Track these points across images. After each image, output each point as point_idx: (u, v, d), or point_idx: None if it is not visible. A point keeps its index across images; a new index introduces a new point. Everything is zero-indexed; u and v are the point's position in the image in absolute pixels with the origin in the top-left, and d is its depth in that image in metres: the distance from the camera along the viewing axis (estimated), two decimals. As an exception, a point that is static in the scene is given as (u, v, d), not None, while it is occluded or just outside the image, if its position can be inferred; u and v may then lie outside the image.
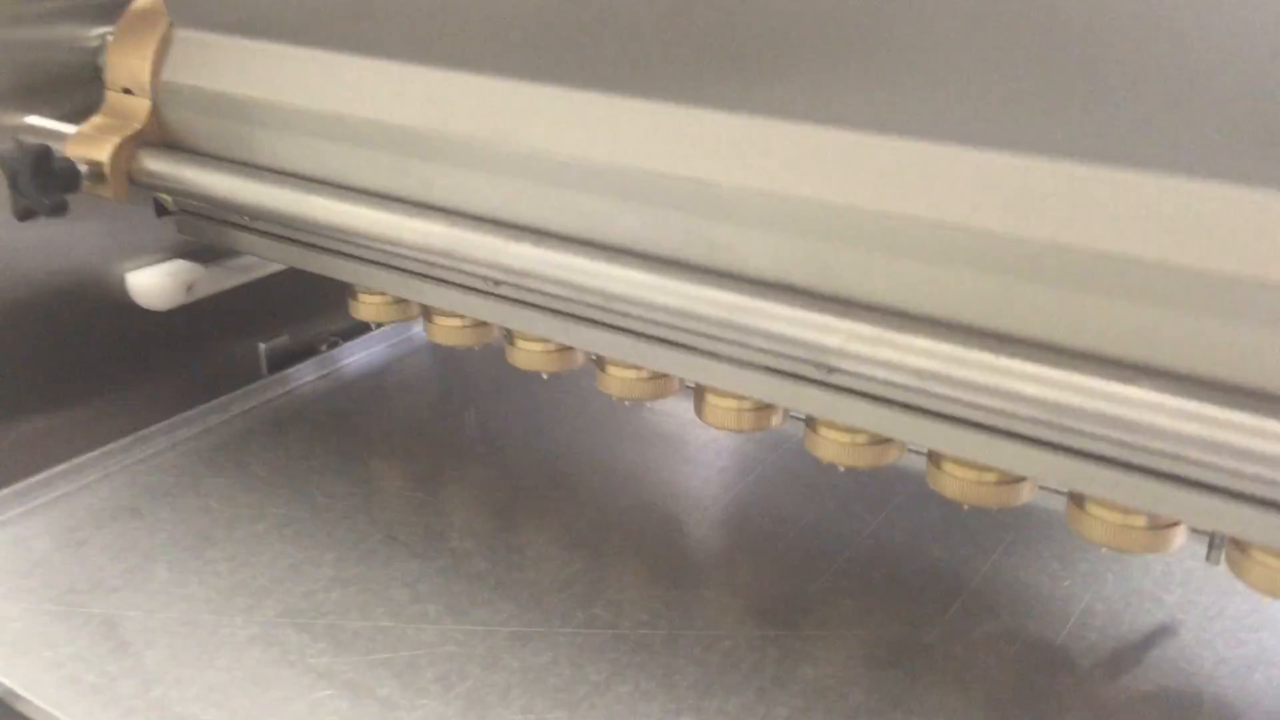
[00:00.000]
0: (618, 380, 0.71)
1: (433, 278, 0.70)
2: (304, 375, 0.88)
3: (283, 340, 0.88)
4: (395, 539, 0.69)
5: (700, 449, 0.81)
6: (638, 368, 0.70)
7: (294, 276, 0.87)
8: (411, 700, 0.57)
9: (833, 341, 0.53)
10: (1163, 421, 0.45)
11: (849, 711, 0.57)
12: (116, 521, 0.71)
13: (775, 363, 0.58)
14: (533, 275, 0.61)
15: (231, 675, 0.58)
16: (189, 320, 0.82)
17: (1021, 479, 0.61)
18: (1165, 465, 0.50)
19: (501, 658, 0.60)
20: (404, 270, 0.71)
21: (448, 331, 0.77)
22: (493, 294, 0.67)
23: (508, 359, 0.73)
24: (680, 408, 0.84)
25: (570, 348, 0.73)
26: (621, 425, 0.84)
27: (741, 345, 0.59)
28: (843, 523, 0.72)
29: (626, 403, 0.75)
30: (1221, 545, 0.61)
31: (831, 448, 0.65)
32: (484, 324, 0.77)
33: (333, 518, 0.71)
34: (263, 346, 0.87)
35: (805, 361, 0.55)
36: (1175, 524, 0.58)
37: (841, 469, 0.67)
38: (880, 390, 0.56)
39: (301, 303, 0.89)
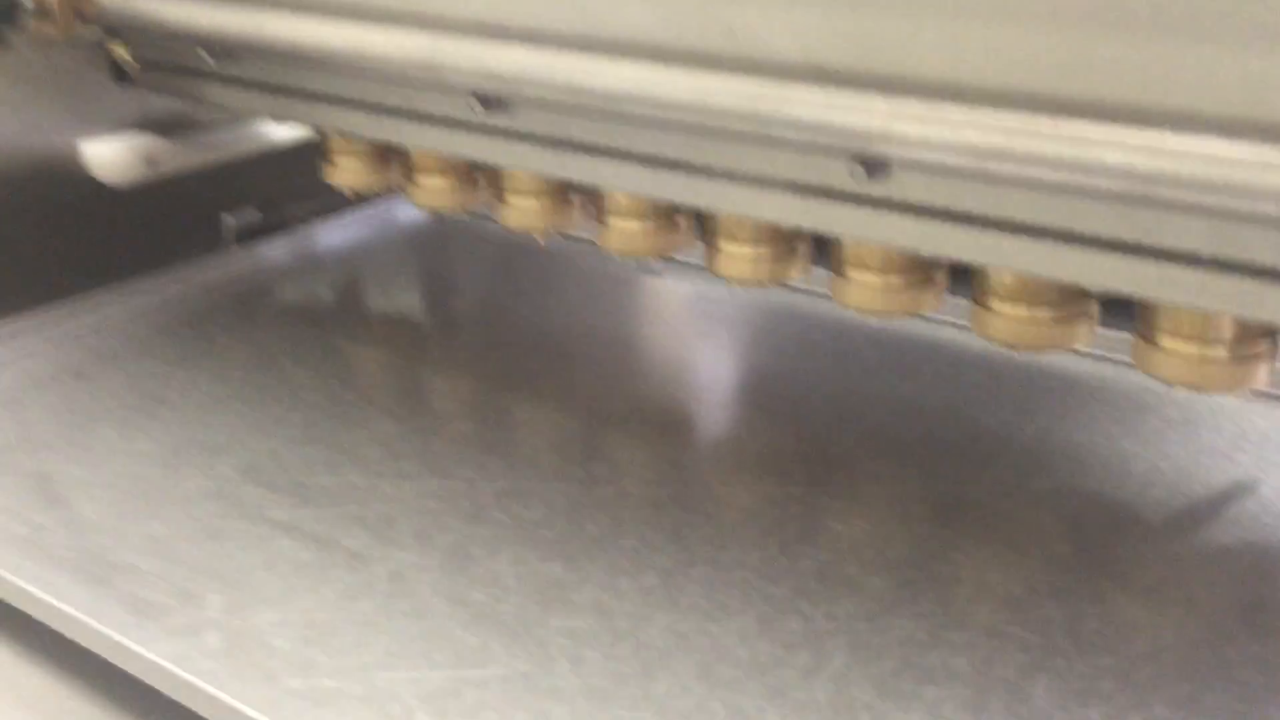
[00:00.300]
0: (620, 233, 0.63)
1: (414, 115, 0.63)
2: (274, 252, 0.81)
3: (251, 213, 0.80)
4: (371, 402, 0.62)
5: (710, 322, 0.74)
6: (641, 217, 0.63)
7: (268, 153, 0.81)
8: (385, 551, 0.50)
9: (875, 123, 0.45)
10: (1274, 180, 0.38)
11: (887, 564, 0.49)
12: (57, 383, 0.63)
13: (805, 173, 0.51)
14: (526, 82, 0.54)
15: (178, 528, 0.51)
16: (152, 187, 0.75)
17: (1078, 316, 0.54)
18: (1268, 252, 0.43)
19: (488, 512, 0.53)
20: (382, 109, 0.63)
21: (431, 193, 0.70)
22: (481, 128, 0.60)
23: (499, 220, 0.66)
24: (686, 285, 0.77)
25: (568, 202, 0.66)
26: (622, 301, 0.77)
27: (767, 148, 0.51)
28: (869, 389, 0.64)
29: (631, 263, 0.67)
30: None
31: (863, 293, 0.57)
32: (470, 183, 0.70)
33: (301, 382, 0.64)
34: (229, 218, 0.79)
35: (842, 156, 0.48)
36: (1259, 355, 0.51)
37: (874, 321, 0.60)
38: (929, 195, 0.49)
39: (275, 177, 0.82)
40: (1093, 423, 0.60)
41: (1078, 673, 0.43)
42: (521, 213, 0.66)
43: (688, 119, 0.50)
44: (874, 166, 0.48)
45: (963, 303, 0.69)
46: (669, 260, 0.68)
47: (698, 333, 0.73)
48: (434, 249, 0.86)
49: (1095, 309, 0.55)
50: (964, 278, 0.58)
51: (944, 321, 0.70)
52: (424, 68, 0.57)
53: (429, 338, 0.72)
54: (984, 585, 0.48)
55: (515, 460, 0.57)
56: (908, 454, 0.58)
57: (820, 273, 0.74)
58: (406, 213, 0.87)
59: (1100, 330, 0.66)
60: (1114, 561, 0.50)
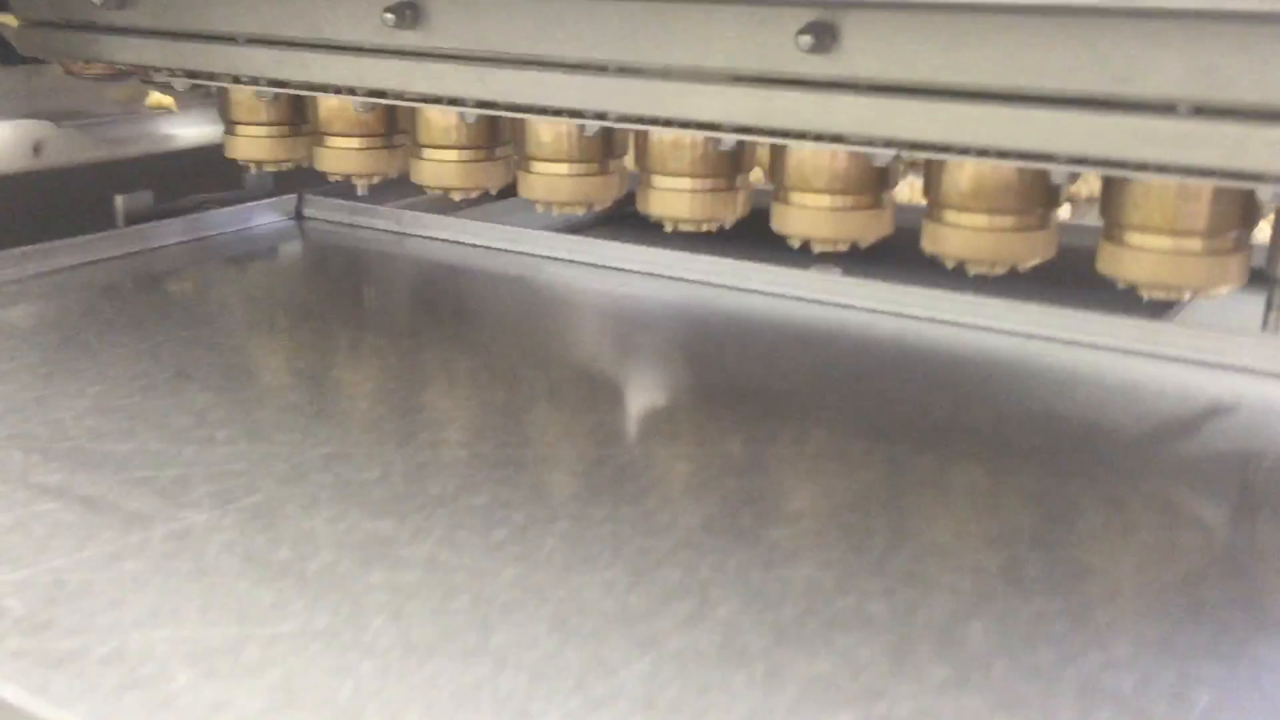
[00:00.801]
0: (543, 181, 0.59)
1: (320, 45, 0.58)
2: (159, 235, 0.73)
3: (144, 196, 0.73)
4: (188, 376, 0.52)
5: (591, 311, 0.66)
6: (567, 160, 0.58)
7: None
8: (172, 513, 0.40)
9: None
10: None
11: (786, 517, 0.41)
12: None
13: (746, 59, 0.46)
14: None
15: (-87, 491, 0.41)
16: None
17: (1041, 221, 0.49)
18: (1249, 88, 0.38)
19: (310, 474, 0.43)
20: (285, 43, 0.59)
21: (341, 156, 0.65)
22: (394, 50, 0.55)
23: (414, 178, 0.62)
24: (598, 280, 0.69)
25: (488, 157, 0.62)
26: (504, 297, 0.69)
27: (706, 30, 0.46)
28: (774, 364, 0.56)
29: (554, 211, 0.60)
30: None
31: (805, 217, 0.53)
32: (382, 144, 0.65)
33: (107, 359, 0.54)
34: (120, 199, 0.72)
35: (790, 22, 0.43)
36: (1232, 248, 0.46)
37: (816, 250, 0.53)
38: (880, 66, 0.44)
39: (174, 164, 0.77)
40: (1022, 391, 0.53)
41: (1020, 616, 0.35)
42: (438, 168, 0.62)
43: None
44: (823, 33, 0.43)
45: (875, 285, 0.63)
46: (596, 212, 0.62)
47: (578, 318, 0.66)
48: (337, 250, 0.77)
49: (1054, 219, 0.50)
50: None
51: (850, 306, 0.63)
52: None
53: (291, 326, 0.63)
54: (902, 534, 0.40)
55: (351, 426, 0.48)
56: (812, 418, 0.50)
57: (725, 264, 0.68)
58: (275, 218, 0.79)
59: (1022, 305, 0.60)
60: (1054, 510, 0.42)
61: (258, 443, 0.46)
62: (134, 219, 0.72)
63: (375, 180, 0.67)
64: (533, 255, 0.73)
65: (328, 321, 0.63)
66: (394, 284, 0.72)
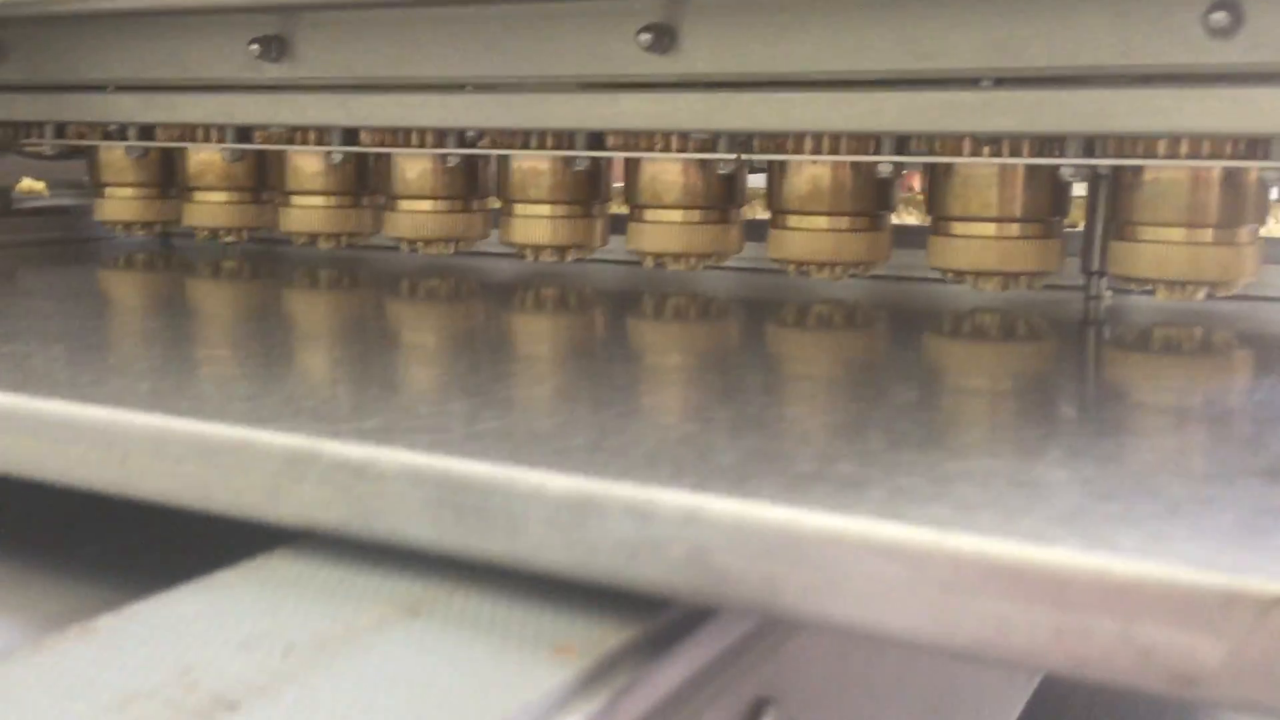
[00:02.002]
0: (408, 218, 0.60)
1: (189, 85, 0.60)
2: (12, 233, 0.72)
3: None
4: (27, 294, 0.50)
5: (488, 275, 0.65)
6: (432, 197, 0.59)
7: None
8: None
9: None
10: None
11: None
12: None
13: (592, 63, 0.50)
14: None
15: None
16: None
17: (875, 223, 0.52)
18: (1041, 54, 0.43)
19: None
20: (155, 87, 0.61)
21: (205, 210, 0.65)
22: (262, 85, 0.58)
23: (282, 227, 0.62)
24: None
25: (356, 203, 0.63)
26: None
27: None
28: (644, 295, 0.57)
29: (417, 250, 0.60)
30: (1103, 275, 0.52)
31: (661, 234, 0.54)
32: (249, 195, 0.65)
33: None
34: None
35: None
36: (1049, 233, 0.50)
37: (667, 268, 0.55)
38: (717, 62, 0.48)
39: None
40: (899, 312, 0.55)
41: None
42: (306, 214, 0.62)
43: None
44: (661, 33, 0.48)
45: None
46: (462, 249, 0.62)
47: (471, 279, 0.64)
48: (178, 253, 0.73)
49: (888, 221, 0.53)
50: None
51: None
52: None
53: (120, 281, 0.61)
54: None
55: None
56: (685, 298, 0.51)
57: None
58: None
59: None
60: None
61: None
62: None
63: (244, 236, 0.67)
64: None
65: (178, 286, 0.61)
66: (260, 268, 0.68)
